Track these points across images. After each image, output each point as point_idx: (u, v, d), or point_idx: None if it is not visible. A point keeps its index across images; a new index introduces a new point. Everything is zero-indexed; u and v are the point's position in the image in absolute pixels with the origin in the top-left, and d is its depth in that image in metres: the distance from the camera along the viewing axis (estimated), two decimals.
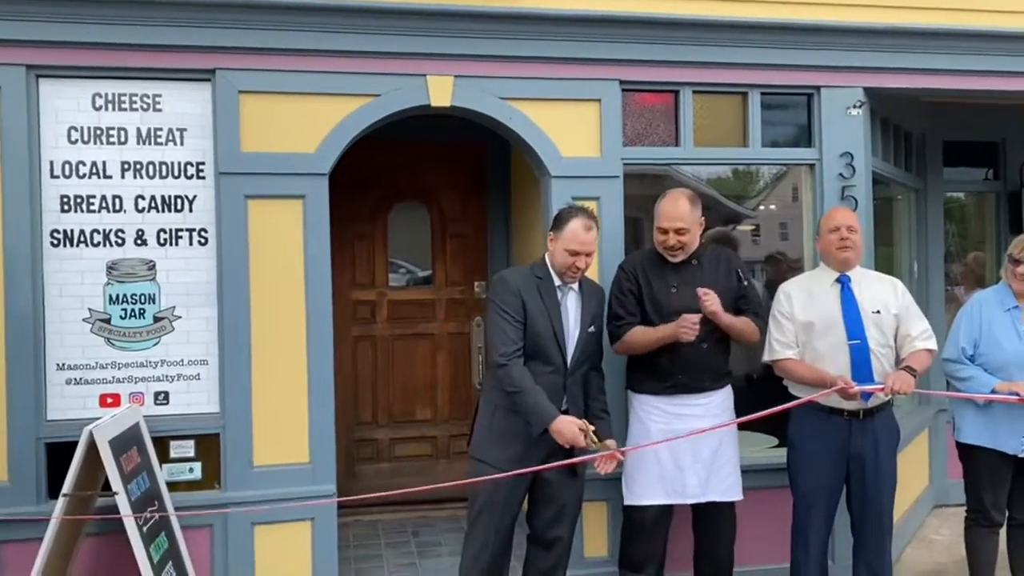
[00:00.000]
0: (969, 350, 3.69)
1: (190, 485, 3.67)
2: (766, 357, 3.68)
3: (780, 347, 3.60)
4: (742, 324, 3.56)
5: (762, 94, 4.23)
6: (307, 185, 3.73)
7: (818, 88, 4.25)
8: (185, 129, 3.71)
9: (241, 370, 3.65)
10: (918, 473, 5.20)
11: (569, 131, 3.97)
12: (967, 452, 3.76)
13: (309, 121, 3.73)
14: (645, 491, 3.55)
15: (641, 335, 3.52)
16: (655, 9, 4.01)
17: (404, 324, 5.35)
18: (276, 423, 3.69)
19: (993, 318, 3.67)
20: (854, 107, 4.25)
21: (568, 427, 3.11)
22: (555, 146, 3.95)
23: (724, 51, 4.10)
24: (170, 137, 3.70)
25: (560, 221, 3.32)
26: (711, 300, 3.38)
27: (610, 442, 3.29)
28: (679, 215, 3.51)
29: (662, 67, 4.07)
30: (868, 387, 3.39)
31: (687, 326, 3.36)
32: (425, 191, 5.36)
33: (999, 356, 3.63)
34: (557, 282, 3.32)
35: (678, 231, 3.51)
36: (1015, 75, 4.45)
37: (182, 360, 3.69)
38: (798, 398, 3.61)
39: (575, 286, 3.36)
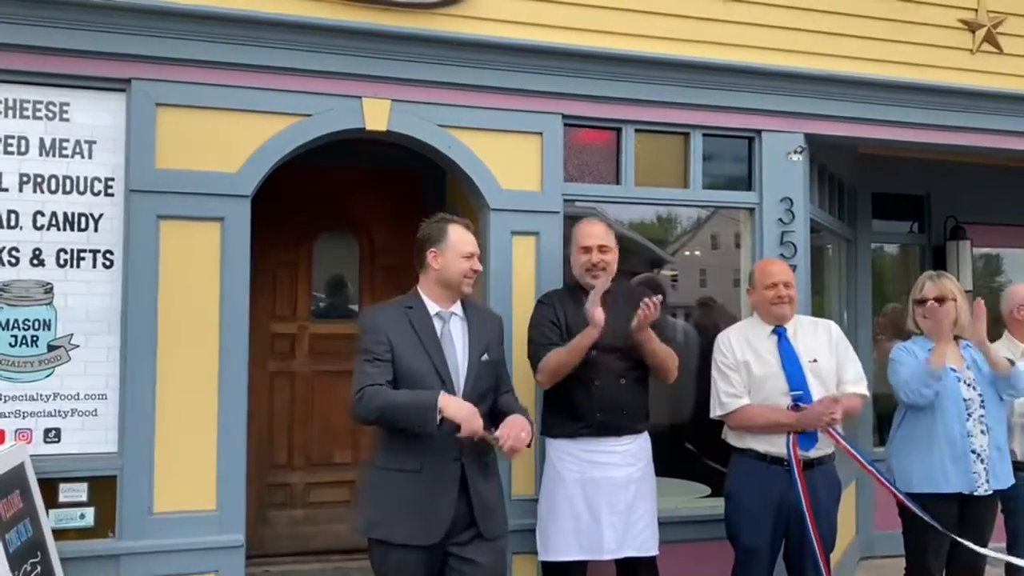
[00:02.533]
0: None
1: (81, 533, 3.30)
2: (716, 413, 3.56)
3: (730, 398, 3.50)
4: (665, 352, 3.42)
5: (704, 135, 4.19)
6: (227, 207, 3.46)
7: (759, 132, 4.23)
8: (94, 142, 3.41)
9: (144, 406, 3.33)
10: (847, 524, 5.15)
11: (510, 163, 3.84)
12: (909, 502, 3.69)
13: (232, 139, 3.49)
14: (561, 546, 3.36)
15: (563, 349, 3.28)
16: (599, 44, 3.94)
17: (326, 360, 5.06)
18: (181, 466, 3.36)
19: (919, 356, 3.67)
20: (795, 152, 4.24)
21: (456, 400, 2.75)
22: (495, 178, 3.80)
23: (668, 90, 4.05)
24: (77, 150, 3.40)
25: (436, 233, 3.00)
26: (652, 310, 3.19)
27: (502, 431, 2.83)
28: (599, 233, 3.47)
29: (605, 103, 3.99)
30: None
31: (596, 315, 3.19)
32: (355, 219, 5.13)
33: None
34: (434, 310, 2.97)
35: (601, 248, 3.43)
36: (945, 128, 4.53)
37: (78, 394, 3.34)
38: (740, 449, 3.52)
39: (459, 312, 3.02)
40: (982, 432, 3.61)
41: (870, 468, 3.61)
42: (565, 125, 3.95)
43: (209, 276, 3.44)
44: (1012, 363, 3.62)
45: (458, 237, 3.00)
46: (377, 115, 3.65)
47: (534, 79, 3.86)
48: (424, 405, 2.70)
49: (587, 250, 3.44)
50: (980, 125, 4.58)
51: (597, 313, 3.19)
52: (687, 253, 5.18)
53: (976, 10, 4.59)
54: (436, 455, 2.82)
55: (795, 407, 3.38)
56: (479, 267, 3.05)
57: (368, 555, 2.90)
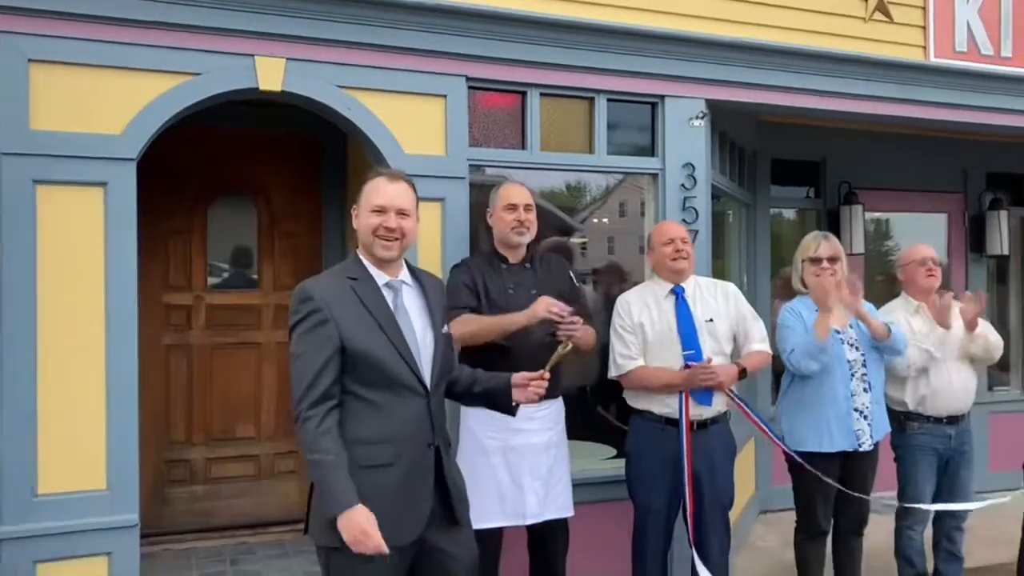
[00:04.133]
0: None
1: None
2: (612, 373, 3.60)
3: (625, 359, 3.54)
4: (589, 337, 3.46)
5: (608, 100, 4.17)
6: (111, 171, 3.25)
7: (662, 97, 4.24)
8: None
9: (24, 384, 3.12)
10: (746, 481, 5.33)
11: (412, 127, 3.73)
12: (794, 459, 3.83)
13: (115, 98, 3.27)
14: (483, 514, 3.33)
15: (487, 320, 3.23)
16: (504, 5, 3.85)
17: (225, 331, 4.89)
18: (67, 445, 3.18)
19: (808, 322, 3.76)
20: (697, 118, 4.28)
21: (360, 520, 2.29)
22: (397, 141, 3.70)
23: (572, 53, 4.01)
24: None
25: (362, 191, 2.61)
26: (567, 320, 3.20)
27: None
28: (524, 194, 3.46)
29: (510, 66, 3.92)
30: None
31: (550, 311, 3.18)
32: (252, 184, 4.93)
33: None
34: (382, 279, 2.54)
35: (527, 207, 3.43)
36: (841, 96, 4.65)
37: None
38: (639, 411, 3.58)
39: (408, 279, 2.61)
40: (864, 390, 3.77)
41: (764, 427, 3.74)
42: (469, 88, 3.87)
43: (92, 245, 3.24)
44: (888, 328, 3.77)
45: (371, 189, 2.55)
46: (271, 74, 3.48)
47: (438, 39, 3.76)
48: (334, 503, 2.31)
49: (514, 207, 3.42)
50: (873, 93, 4.71)
51: (541, 308, 3.17)
52: (595, 221, 5.21)
53: None
54: (409, 444, 2.46)
55: (687, 367, 3.44)
56: (393, 224, 2.50)
57: (323, 562, 2.47)
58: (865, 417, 3.75)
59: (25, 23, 3.15)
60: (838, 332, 3.76)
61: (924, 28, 4.87)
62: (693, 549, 3.49)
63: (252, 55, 3.47)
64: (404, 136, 3.72)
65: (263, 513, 4.79)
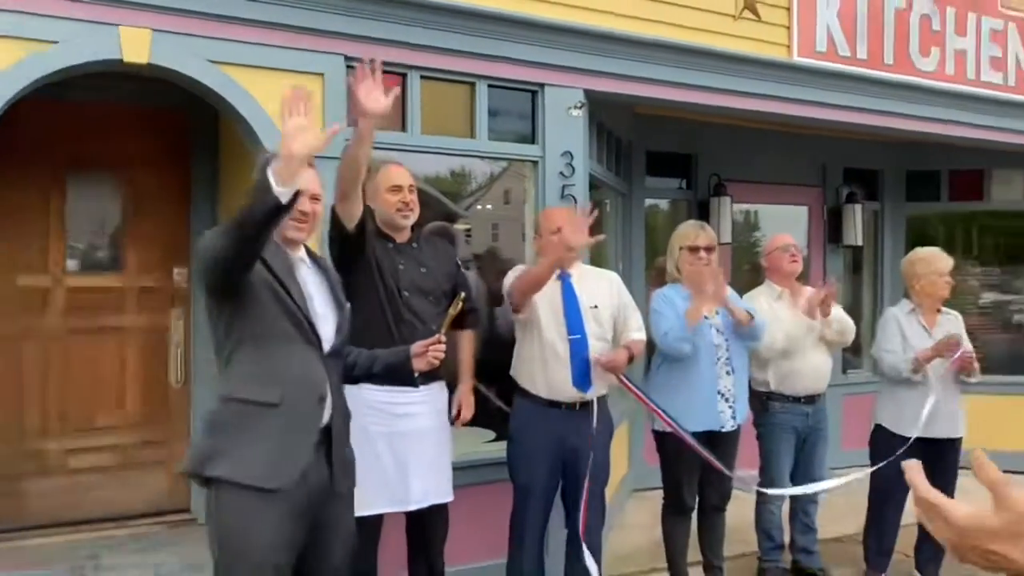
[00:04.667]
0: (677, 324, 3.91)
1: None
2: (505, 288, 3.66)
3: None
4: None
5: (489, 86, 4.19)
6: None
7: (543, 86, 4.30)
8: None
9: None
10: (620, 460, 5.50)
11: None
12: (662, 440, 3.99)
13: None
14: (367, 501, 3.29)
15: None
16: None
17: (85, 316, 4.62)
18: None
19: (678, 308, 3.92)
20: (575, 107, 4.35)
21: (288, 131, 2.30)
22: (271, 119, 3.58)
23: (453, 37, 4.00)
24: None
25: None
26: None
27: None
28: (408, 175, 3.43)
29: (390, 47, 3.86)
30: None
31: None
32: (117, 161, 4.67)
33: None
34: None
35: (411, 188, 3.41)
36: (711, 91, 4.83)
37: None
38: (524, 390, 3.63)
39: (306, 258, 2.70)
40: (728, 374, 3.95)
41: (656, 408, 3.85)
42: (348, 67, 3.80)
43: None
44: (751, 316, 3.97)
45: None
46: (136, 46, 3.32)
47: (316, 17, 3.68)
48: (261, 178, 2.25)
49: (398, 189, 3.38)
50: (742, 88, 4.92)
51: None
52: (479, 207, 5.22)
53: None
54: (298, 390, 2.47)
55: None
56: (307, 208, 2.57)
57: (210, 503, 2.42)
58: (727, 400, 3.93)
59: None
60: (707, 318, 3.92)
61: (788, 28, 5.12)
62: (581, 530, 3.56)
63: (116, 24, 3.29)
64: (279, 114, 3.60)
65: (127, 505, 4.57)
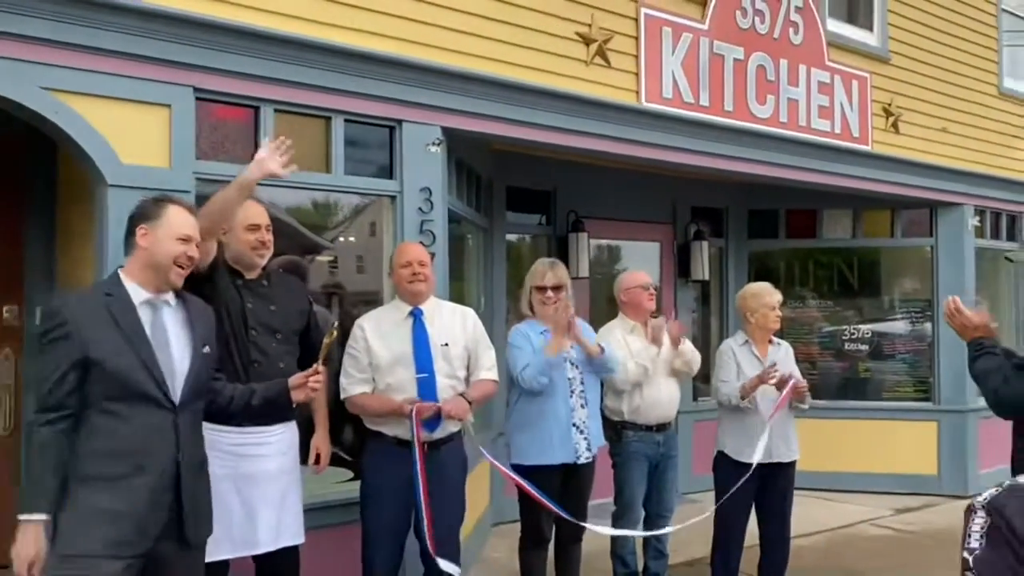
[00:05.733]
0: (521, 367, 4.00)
1: None
2: (342, 395, 3.60)
3: (351, 384, 3.59)
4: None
5: (346, 121, 4.19)
6: None
7: (400, 122, 4.33)
8: None
9: None
10: (480, 494, 5.52)
11: (131, 136, 3.51)
12: (521, 473, 4.03)
13: None
14: (212, 546, 3.15)
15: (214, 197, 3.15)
16: (237, 17, 3.77)
17: None
18: None
19: (535, 343, 4.02)
20: (433, 144, 4.41)
21: (32, 541, 2.42)
22: (113, 150, 3.45)
23: (309, 72, 3.99)
24: None
25: (150, 211, 2.72)
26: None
27: None
28: (265, 213, 3.39)
29: (242, 79, 3.82)
30: (428, 404, 3.47)
31: None
32: None
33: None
34: (140, 298, 2.66)
35: (268, 227, 3.35)
36: (565, 131, 5.01)
37: None
38: (376, 432, 3.60)
39: (171, 300, 2.73)
40: (582, 406, 4.07)
41: (501, 466, 3.96)
42: (198, 99, 3.71)
43: None
44: (602, 349, 4.11)
45: (176, 218, 2.71)
46: None
47: (162, 47, 3.57)
48: (28, 499, 2.45)
49: (255, 228, 3.32)
50: (594, 131, 5.14)
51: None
52: (343, 239, 5.16)
53: (590, 25, 5.14)
54: (151, 457, 2.56)
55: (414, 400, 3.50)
56: (195, 254, 2.73)
57: None
58: (582, 432, 4.04)
59: None
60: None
61: (637, 74, 5.40)
62: (431, 547, 3.51)
63: None
64: (122, 146, 3.48)
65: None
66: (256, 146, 3.90)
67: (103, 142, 3.43)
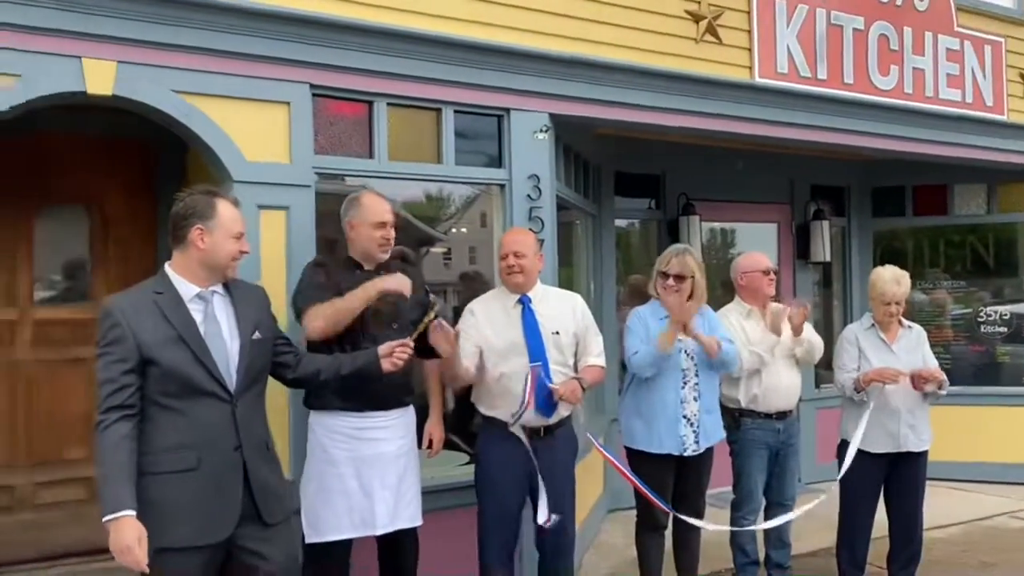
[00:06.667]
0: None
1: None
2: None
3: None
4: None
5: (456, 112, 4.24)
6: None
7: (508, 111, 4.35)
8: None
9: None
10: (594, 480, 5.51)
11: (255, 134, 3.67)
12: (633, 458, 4.01)
13: None
14: (331, 526, 3.31)
15: (328, 307, 3.21)
16: (350, 14, 3.86)
17: (54, 348, 4.58)
18: None
19: (651, 328, 3.97)
20: (540, 131, 4.41)
21: (125, 533, 2.40)
22: (238, 149, 3.61)
23: (419, 65, 4.05)
24: None
25: (202, 208, 2.72)
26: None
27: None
28: (389, 210, 3.43)
29: (356, 75, 3.92)
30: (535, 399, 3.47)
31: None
32: (84, 192, 4.65)
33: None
34: (191, 292, 2.70)
35: (393, 224, 3.42)
36: (674, 112, 4.91)
37: None
38: (486, 416, 3.64)
39: (220, 289, 2.78)
40: (695, 399, 3.96)
41: (613, 459, 3.94)
42: (314, 96, 3.84)
43: None
44: (720, 345, 3.98)
45: (229, 215, 2.75)
46: (100, 78, 3.33)
47: (281, 46, 3.71)
48: (105, 506, 2.44)
49: (383, 225, 3.40)
50: (705, 110, 5.01)
51: (373, 289, 3.19)
52: (455, 231, 5.24)
53: (700, 2, 5.01)
54: (213, 448, 2.62)
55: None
56: (248, 248, 2.83)
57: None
58: (692, 424, 3.95)
59: None
60: (679, 340, 3.92)
61: (750, 50, 5.22)
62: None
63: (79, 57, 3.30)
64: (246, 143, 3.64)
65: (96, 539, 4.50)
66: (371, 140, 4.02)
67: (229, 141, 3.59)
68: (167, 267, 2.75)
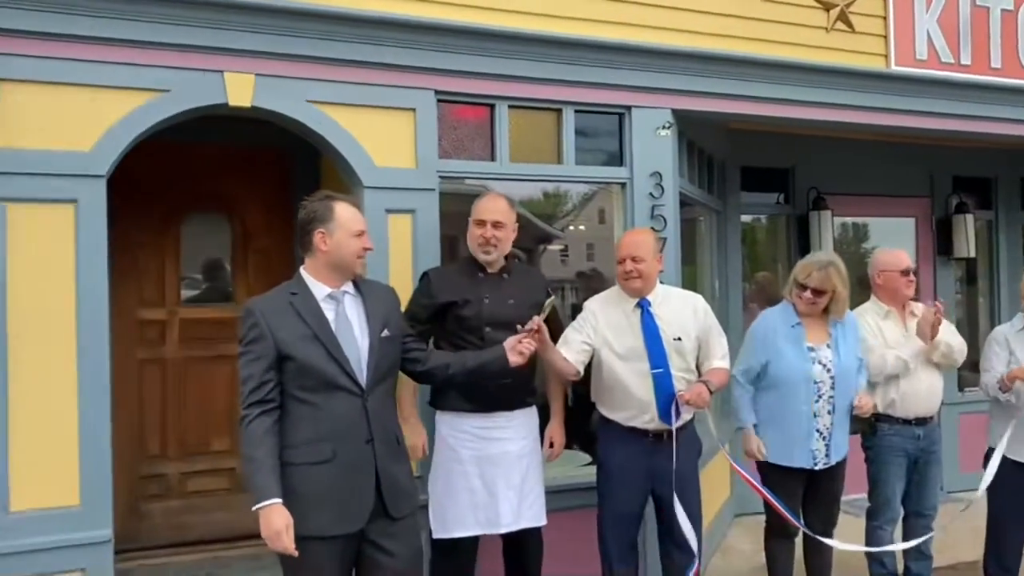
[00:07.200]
0: (756, 368, 3.84)
1: None
2: None
3: (565, 349, 3.47)
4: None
5: (576, 111, 4.23)
6: (81, 188, 3.27)
7: (629, 108, 4.31)
8: None
9: None
10: (721, 484, 5.39)
11: (383, 140, 3.78)
12: (762, 467, 3.90)
13: (84, 116, 3.29)
14: (456, 522, 3.39)
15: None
16: (472, 19, 3.92)
17: (199, 345, 4.89)
18: (39, 461, 3.19)
19: (780, 335, 3.83)
20: (663, 128, 4.35)
21: (275, 520, 2.56)
22: (368, 155, 3.74)
23: (539, 66, 4.07)
24: None
25: (321, 212, 2.84)
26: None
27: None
28: (498, 208, 3.44)
29: (478, 79, 3.97)
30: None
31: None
32: (225, 199, 4.95)
33: (786, 372, 3.79)
34: (323, 293, 2.83)
35: (495, 224, 3.40)
36: (804, 104, 4.73)
37: None
38: (606, 419, 3.62)
39: (351, 289, 2.91)
40: (828, 412, 3.79)
41: (741, 472, 3.81)
42: (438, 101, 3.92)
43: (63, 261, 3.25)
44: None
45: (347, 215, 2.86)
46: (240, 90, 3.52)
47: (406, 54, 3.80)
48: (256, 496, 2.60)
49: (481, 224, 3.42)
50: (836, 101, 4.80)
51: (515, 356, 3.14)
52: (573, 228, 5.24)
53: None
54: (346, 441, 2.73)
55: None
56: (371, 245, 2.93)
57: (279, 555, 2.68)
58: (824, 437, 3.80)
59: None
60: (812, 350, 3.79)
61: (885, 37, 4.97)
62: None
63: (221, 71, 3.50)
64: (375, 149, 3.76)
65: (239, 526, 4.77)
66: (493, 142, 4.08)
67: (359, 148, 3.72)
68: (302, 270, 2.89)
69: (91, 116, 3.30)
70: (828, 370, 3.79)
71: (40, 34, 3.23)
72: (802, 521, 3.87)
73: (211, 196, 4.91)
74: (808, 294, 3.81)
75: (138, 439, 4.74)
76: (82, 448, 3.25)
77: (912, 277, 4.23)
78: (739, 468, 3.93)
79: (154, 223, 4.80)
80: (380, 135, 3.78)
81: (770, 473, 3.85)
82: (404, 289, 3.54)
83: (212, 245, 5.00)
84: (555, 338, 3.58)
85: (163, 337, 4.85)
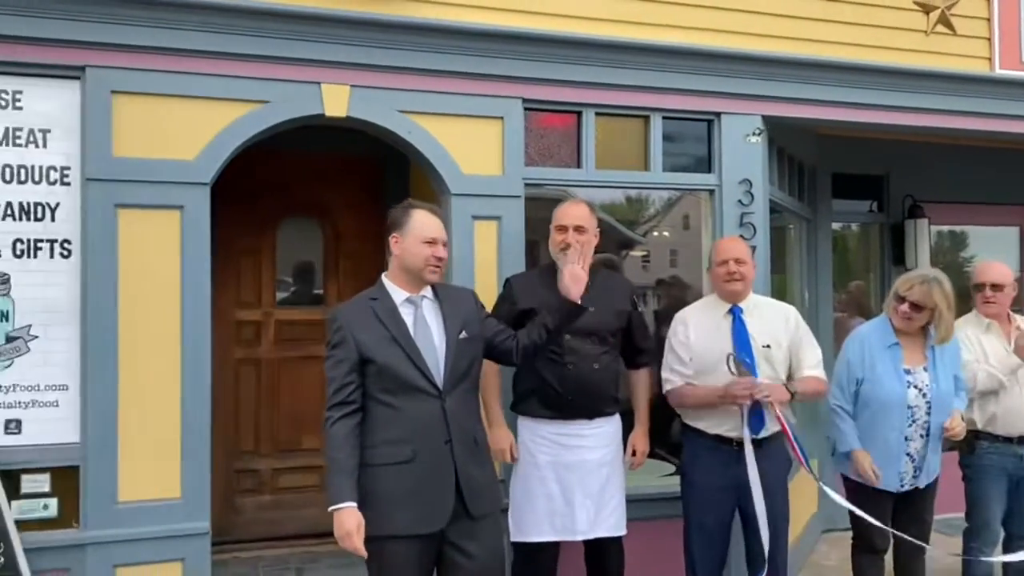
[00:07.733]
0: (851, 389, 3.73)
1: (44, 524, 3.29)
2: (664, 388, 3.62)
3: (672, 375, 3.55)
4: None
5: (664, 118, 4.22)
6: (186, 195, 3.44)
7: (718, 115, 4.26)
8: (49, 130, 3.37)
9: (106, 397, 3.32)
10: (807, 499, 5.26)
11: (470, 148, 3.85)
12: (849, 485, 3.79)
13: (190, 126, 3.47)
14: (533, 527, 3.41)
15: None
16: (559, 28, 3.95)
17: (292, 346, 5.07)
18: (144, 455, 3.36)
19: (875, 355, 3.70)
20: (753, 135, 4.29)
21: (347, 521, 2.63)
22: (456, 163, 3.81)
23: (627, 74, 4.07)
24: (31, 138, 3.36)
25: (399, 218, 2.92)
26: None
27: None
28: (579, 214, 3.42)
29: (565, 87, 4.00)
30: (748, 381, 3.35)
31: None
32: (318, 205, 5.12)
33: (880, 394, 3.65)
34: (401, 298, 2.88)
35: (577, 228, 3.39)
36: (901, 110, 4.60)
37: (38, 385, 3.32)
38: (693, 428, 3.58)
39: (429, 293, 2.95)
40: (921, 436, 3.65)
41: (799, 452, 3.57)
42: (526, 109, 3.97)
43: (170, 264, 3.43)
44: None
45: (420, 222, 2.89)
46: (336, 101, 3.64)
47: (494, 63, 3.86)
48: (331, 498, 2.68)
49: (563, 229, 3.41)
50: (935, 106, 4.65)
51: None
52: (655, 234, 5.21)
53: None
54: (426, 441, 2.77)
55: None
56: (443, 254, 2.90)
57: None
58: (914, 460, 3.67)
59: (109, 57, 3.37)
60: (908, 372, 3.66)
61: (988, 40, 4.79)
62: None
63: (319, 83, 3.63)
64: (462, 157, 3.83)
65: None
66: (579, 150, 4.09)
67: (447, 156, 3.80)
68: (383, 276, 2.97)
69: (196, 126, 3.47)
70: (924, 395, 3.65)
71: (149, 48, 3.41)
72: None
73: (306, 202, 5.08)
74: (905, 307, 3.67)
75: (233, 436, 4.94)
76: (184, 443, 3.41)
77: (990, 293, 4.04)
78: (825, 487, 3.80)
79: (253, 228, 5.00)
80: (468, 143, 3.84)
81: (857, 492, 3.74)
82: (489, 293, 3.60)
83: (305, 249, 5.17)
84: (639, 348, 3.58)
85: (258, 337, 5.04)
